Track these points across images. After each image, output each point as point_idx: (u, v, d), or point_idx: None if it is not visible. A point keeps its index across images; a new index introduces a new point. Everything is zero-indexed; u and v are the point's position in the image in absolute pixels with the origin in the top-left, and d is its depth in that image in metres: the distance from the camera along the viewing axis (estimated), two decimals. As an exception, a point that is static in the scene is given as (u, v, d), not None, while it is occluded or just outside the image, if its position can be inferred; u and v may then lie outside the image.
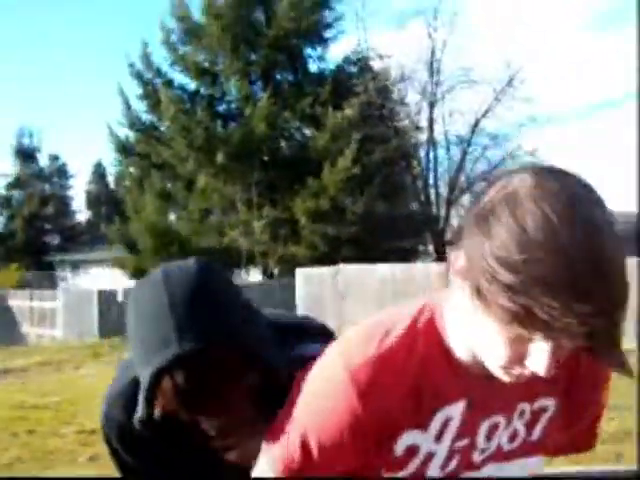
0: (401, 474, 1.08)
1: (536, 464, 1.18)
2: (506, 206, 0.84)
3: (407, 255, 22.75)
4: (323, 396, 1.04)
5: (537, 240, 0.80)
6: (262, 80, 21.68)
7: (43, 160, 40.03)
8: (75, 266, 33.14)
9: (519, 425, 1.13)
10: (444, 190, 24.70)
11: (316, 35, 22.26)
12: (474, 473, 1.12)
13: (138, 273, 22.42)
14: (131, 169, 22.47)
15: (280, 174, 21.19)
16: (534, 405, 1.13)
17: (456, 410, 1.08)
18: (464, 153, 24.42)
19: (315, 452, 1.05)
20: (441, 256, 23.23)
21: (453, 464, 1.10)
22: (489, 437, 1.11)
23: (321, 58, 22.60)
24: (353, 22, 24.33)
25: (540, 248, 0.80)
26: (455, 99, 24.75)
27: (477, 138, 24.70)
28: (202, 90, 22.01)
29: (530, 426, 1.14)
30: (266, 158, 21.56)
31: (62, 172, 41.47)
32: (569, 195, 0.83)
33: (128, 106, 21.60)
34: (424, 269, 15.53)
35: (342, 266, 16.04)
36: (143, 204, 21.26)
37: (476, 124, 24.30)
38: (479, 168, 24.94)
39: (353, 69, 22.67)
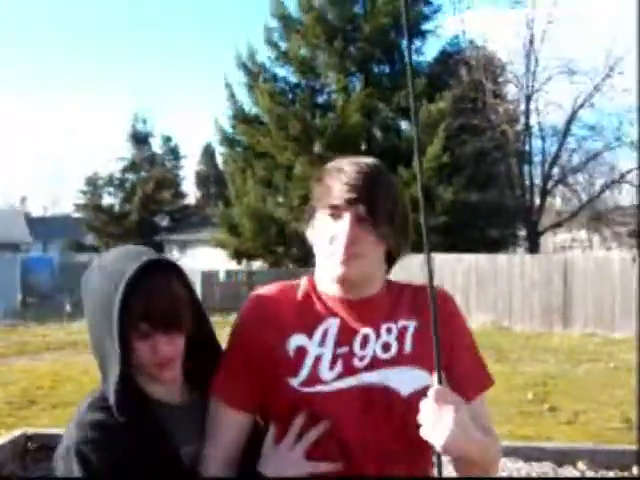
0: (300, 376, 1.43)
1: (421, 377, 1.44)
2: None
3: (498, 245, 23.05)
4: (239, 313, 1.57)
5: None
6: (359, 72, 22.45)
7: (156, 144, 41.73)
8: (183, 246, 34.91)
9: (389, 339, 1.48)
10: (539, 181, 24.76)
11: (414, 28, 22.71)
12: (359, 376, 1.43)
13: (238, 255, 23.75)
14: (235, 158, 23.65)
15: (375, 163, 21.87)
16: (398, 324, 1.49)
17: (332, 323, 1.48)
18: (560, 144, 24.36)
19: (238, 358, 1.51)
20: (534, 247, 23.39)
21: (339, 367, 1.43)
22: (363, 346, 1.45)
23: (418, 51, 23.03)
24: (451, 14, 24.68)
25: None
26: (552, 90, 24.69)
27: (574, 129, 24.61)
28: (303, 82, 22.95)
29: (400, 341, 1.47)
30: (363, 147, 22.32)
31: (174, 153, 42.88)
32: None
33: (233, 98, 22.82)
34: (508, 260, 16.02)
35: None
36: (245, 190, 22.45)
37: (573, 115, 24.18)
38: (575, 159, 24.88)
39: (449, 61, 22.99)
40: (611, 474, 5.08)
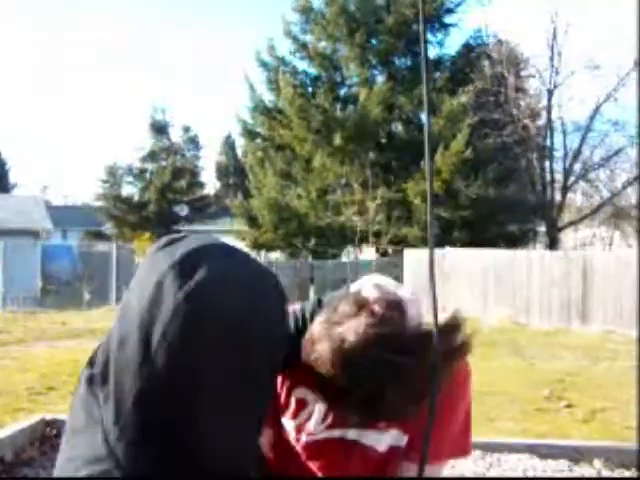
0: (294, 422, 1.48)
1: (397, 438, 1.46)
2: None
3: (517, 240, 22.93)
4: None
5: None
6: (381, 65, 22.37)
7: (175, 134, 41.93)
8: (201, 236, 34.99)
9: None
10: (560, 176, 24.57)
11: (437, 21, 22.66)
12: (344, 430, 1.45)
13: (257, 245, 23.83)
14: (254, 150, 23.69)
15: (395, 156, 21.86)
16: None
17: None
18: (582, 139, 24.15)
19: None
20: (553, 243, 23.25)
21: (329, 420, 1.45)
22: None
23: (441, 44, 22.96)
24: (475, 6, 24.48)
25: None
26: (574, 84, 24.47)
27: (597, 124, 24.37)
28: (323, 75, 22.92)
29: None
30: (383, 140, 22.28)
31: (193, 143, 43.08)
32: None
33: (253, 91, 22.87)
34: (526, 255, 15.93)
35: (448, 249, 16.66)
36: (265, 182, 22.50)
37: (596, 110, 23.96)
38: (597, 155, 24.65)
39: (472, 55, 22.85)
40: (627, 473, 5.05)
